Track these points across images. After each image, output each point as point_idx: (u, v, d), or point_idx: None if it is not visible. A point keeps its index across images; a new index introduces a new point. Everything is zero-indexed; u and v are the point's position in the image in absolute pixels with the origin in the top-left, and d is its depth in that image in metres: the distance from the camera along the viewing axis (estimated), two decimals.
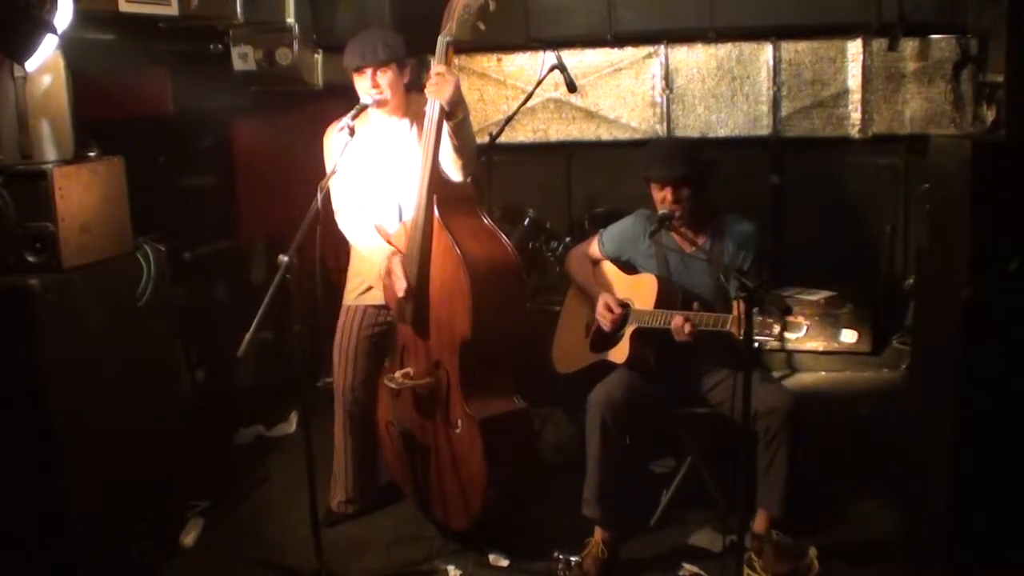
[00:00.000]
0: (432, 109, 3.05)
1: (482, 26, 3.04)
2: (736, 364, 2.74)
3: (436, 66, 3.01)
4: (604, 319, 3.27)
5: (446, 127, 3.03)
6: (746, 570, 2.96)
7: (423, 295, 3.18)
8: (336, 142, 3.15)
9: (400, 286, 3.19)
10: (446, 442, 3.19)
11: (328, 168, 3.31)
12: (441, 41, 3.02)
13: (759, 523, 3.08)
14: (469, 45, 3.07)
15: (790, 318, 2.67)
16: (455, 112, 3.00)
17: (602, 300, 3.30)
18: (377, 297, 3.40)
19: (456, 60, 3.09)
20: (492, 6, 3.01)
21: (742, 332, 2.65)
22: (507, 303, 3.13)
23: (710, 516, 3.36)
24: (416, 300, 3.19)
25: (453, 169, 3.13)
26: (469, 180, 3.19)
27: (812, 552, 3.06)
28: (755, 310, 2.65)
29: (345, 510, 3.56)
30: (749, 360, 2.61)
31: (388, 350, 3.52)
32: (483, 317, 3.02)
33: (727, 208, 3.31)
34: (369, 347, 3.46)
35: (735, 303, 2.73)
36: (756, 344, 2.70)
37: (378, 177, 3.35)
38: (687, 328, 2.95)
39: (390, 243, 3.32)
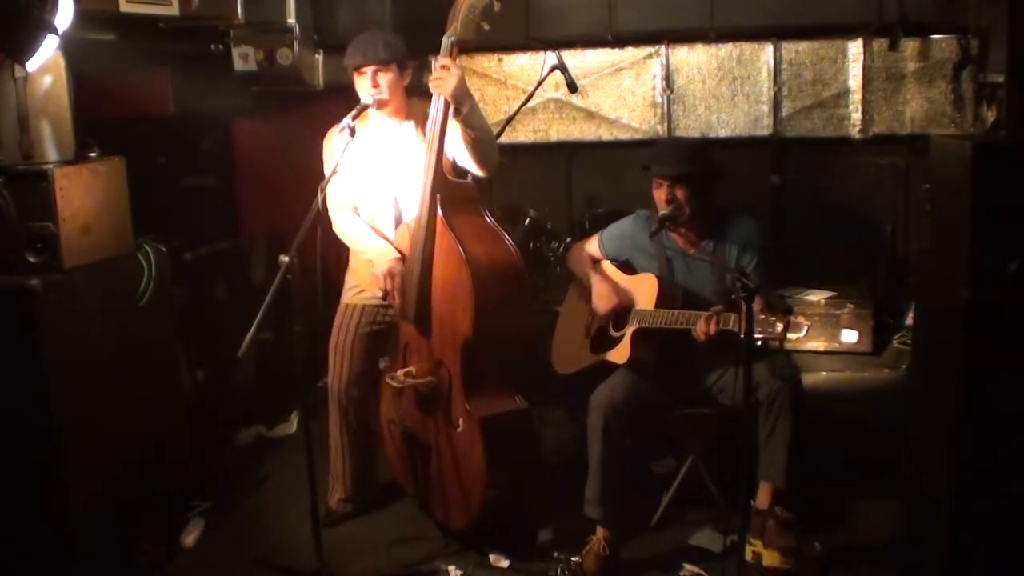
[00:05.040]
0: (436, 109, 3.04)
1: (487, 27, 3.04)
2: (737, 362, 2.73)
3: (441, 59, 3.01)
4: (601, 306, 3.27)
5: (455, 123, 3.02)
6: (748, 548, 2.93)
7: (425, 294, 3.18)
8: (337, 143, 3.15)
9: (396, 296, 3.20)
10: (447, 441, 3.20)
11: (327, 170, 3.32)
12: (446, 41, 3.02)
13: (761, 498, 3.07)
14: (473, 45, 3.08)
15: (791, 318, 2.67)
16: (461, 105, 2.99)
17: (602, 287, 3.29)
18: (374, 296, 3.40)
19: (458, 60, 3.08)
20: (497, 7, 3.01)
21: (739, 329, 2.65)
22: (509, 303, 3.13)
23: (710, 516, 3.37)
24: (419, 299, 3.19)
25: (473, 164, 3.13)
26: (470, 179, 3.19)
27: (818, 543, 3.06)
28: (759, 308, 2.65)
29: (344, 509, 3.56)
30: (750, 359, 2.62)
31: (384, 349, 3.52)
32: (485, 317, 3.03)
33: (729, 206, 3.30)
34: (365, 346, 3.45)
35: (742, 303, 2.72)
36: (759, 343, 2.69)
37: (377, 179, 3.35)
38: (712, 329, 2.92)
39: (394, 247, 3.32)
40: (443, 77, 2.96)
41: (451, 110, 3.01)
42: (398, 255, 3.26)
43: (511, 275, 3.14)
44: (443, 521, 3.32)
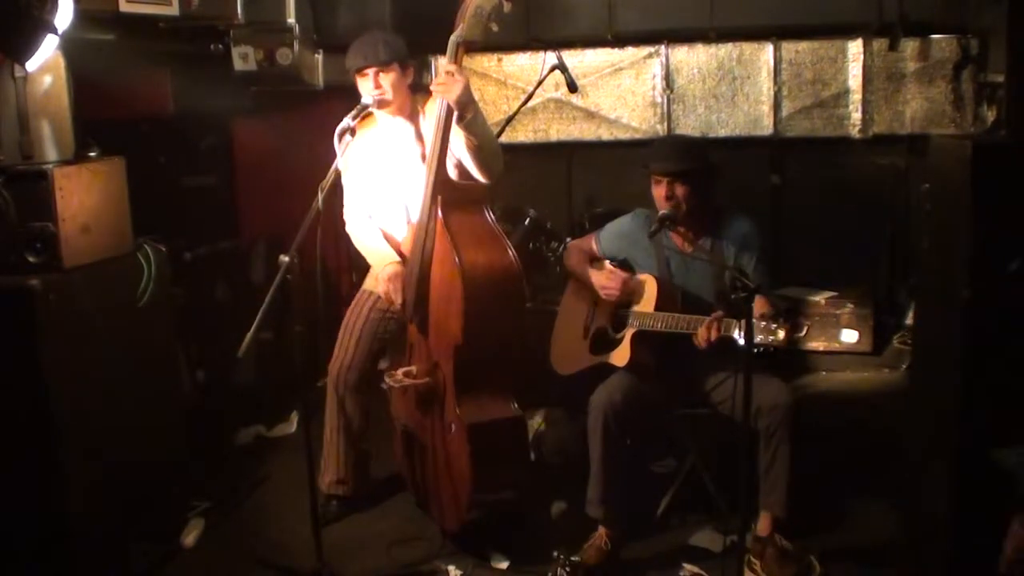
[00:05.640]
0: (440, 109, 3.04)
1: (495, 27, 3.00)
2: (737, 365, 2.73)
3: (446, 65, 3.00)
4: (609, 290, 3.26)
5: (457, 128, 3.02)
6: (747, 572, 2.95)
7: (424, 294, 3.18)
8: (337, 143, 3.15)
9: (395, 302, 3.20)
10: (441, 443, 3.19)
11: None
12: (452, 41, 3.01)
13: (762, 526, 3.08)
14: (480, 46, 3.06)
15: (794, 319, 2.67)
16: (464, 112, 2.97)
17: (602, 275, 3.28)
18: None
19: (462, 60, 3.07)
20: (507, 7, 2.97)
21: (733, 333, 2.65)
22: (503, 310, 3.08)
23: (711, 516, 3.37)
24: (417, 298, 3.19)
25: (475, 170, 3.11)
26: (484, 181, 3.16)
27: (814, 556, 3.06)
28: (760, 312, 2.64)
29: (337, 491, 3.54)
30: (750, 360, 2.61)
31: (393, 343, 3.52)
32: (476, 323, 3.00)
33: (725, 206, 3.31)
34: (374, 330, 3.45)
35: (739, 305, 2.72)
36: (760, 349, 2.69)
37: (384, 179, 3.36)
38: (713, 335, 2.91)
39: (399, 251, 3.33)
40: (447, 83, 2.95)
41: (454, 116, 3.00)
42: (397, 260, 3.27)
43: (507, 283, 3.07)
44: (439, 521, 3.33)
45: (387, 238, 3.41)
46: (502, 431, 3.13)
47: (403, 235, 3.37)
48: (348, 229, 3.44)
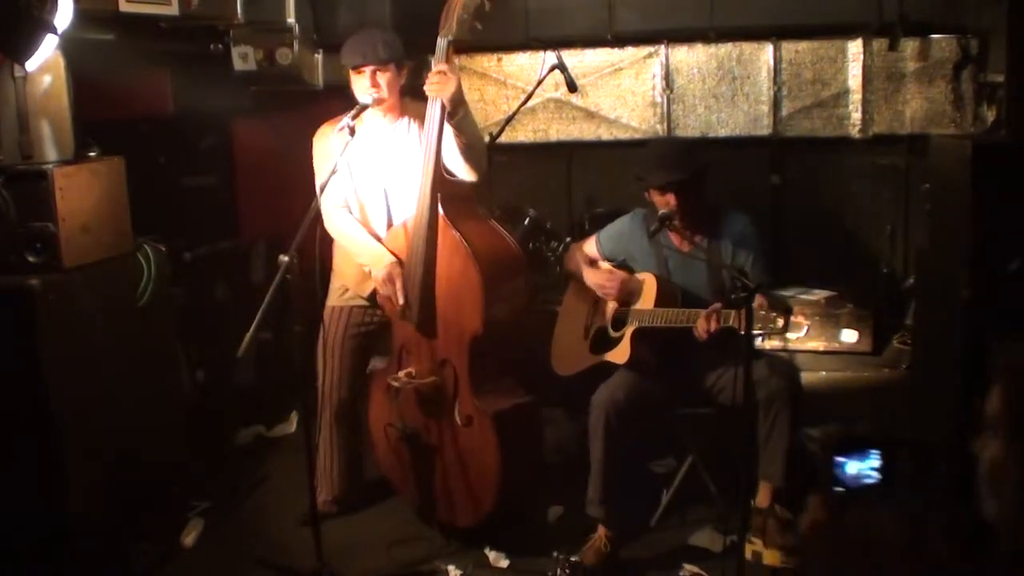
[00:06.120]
0: (433, 108, 3.05)
1: (479, 26, 3.06)
2: (737, 359, 2.73)
3: (437, 64, 3.01)
4: (607, 289, 3.27)
5: (448, 125, 3.03)
6: (748, 547, 2.93)
7: (429, 294, 3.18)
8: (336, 142, 3.16)
9: (398, 299, 3.20)
10: (453, 440, 3.20)
11: (318, 169, 3.32)
12: (441, 41, 3.03)
13: (762, 497, 3.08)
14: (469, 44, 3.09)
15: (791, 318, 2.67)
16: (456, 110, 3.00)
17: (601, 274, 3.29)
18: (359, 298, 3.41)
19: (456, 60, 3.10)
20: (488, 6, 3.03)
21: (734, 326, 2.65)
22: (513, 297, 3.19)
23: (711, 516, 3.37)
24: (422, 300, 3.19)
25: (463, 168, 3.14)
26: (471, 179, 3.19)
27: None
28: (759, 304, 2.65)
29: (330, 509, 3.55)
30: (749, 356, 2.61)
31: (374, 349, 3.53)
32: (493, 311, 3.06)
33: (723, 204, 3.31)
34: (354, 347, 3.46)
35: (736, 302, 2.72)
36: (759, 339, 2.70)
37: (369, 177, 3.35)
38: (712, 326, 2.91)
39: (388, 249, 3.32)
40: (441, 81, 2.97)
41: (446, 113, 3.01)
42: (395, 259, 3.26)
43: (514, 269, 3.19)
44: (449, 520, 3.32)
45: (372, 234, 3.39)
46: (521, 417, 3.19)
47: (382, 234, 3.36)
48: (330, 224, 3.33)
